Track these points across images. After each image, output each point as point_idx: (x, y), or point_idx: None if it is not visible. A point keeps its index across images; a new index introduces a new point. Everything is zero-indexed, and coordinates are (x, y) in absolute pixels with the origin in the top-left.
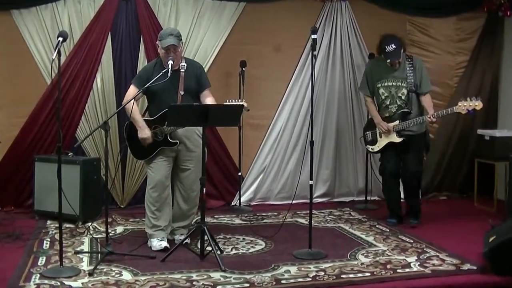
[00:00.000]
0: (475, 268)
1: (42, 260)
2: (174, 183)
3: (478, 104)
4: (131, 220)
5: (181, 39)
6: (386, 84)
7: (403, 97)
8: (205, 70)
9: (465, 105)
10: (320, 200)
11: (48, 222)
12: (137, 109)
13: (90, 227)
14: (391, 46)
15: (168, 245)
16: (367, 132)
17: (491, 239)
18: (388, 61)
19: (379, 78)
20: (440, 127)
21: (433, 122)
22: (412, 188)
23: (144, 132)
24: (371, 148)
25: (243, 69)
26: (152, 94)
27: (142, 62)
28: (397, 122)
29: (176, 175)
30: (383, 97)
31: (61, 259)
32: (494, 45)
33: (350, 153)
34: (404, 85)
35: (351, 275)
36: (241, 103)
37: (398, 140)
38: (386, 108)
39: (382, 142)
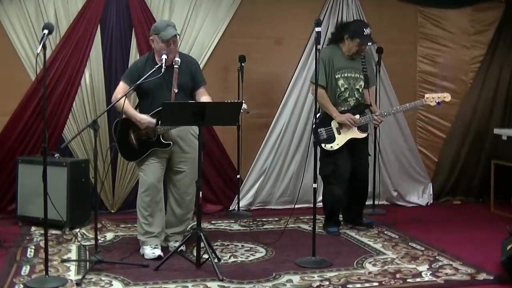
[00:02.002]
0: (491, 278)
1: (26, 269)
2: (168, 186)
3: (446, 96)
4: (122, 226)
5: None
6: (346, 75)
7: (360, 90)
8: (202, 65)
9: (433, 97)
10: None
11: (33, 228)
12: (129, 104)
13: (78, 233)
14: (369, 30)
15: (161, 253)
16: (321, 129)
17: (509, 247)
18: (362, 47)
19: (339, 68)
20: (453, 126)
21: (380, 122)
22: (366, 189)
23: (146, 121)
24: (330, 147)
25: (242, 64)
26: (144, 91)
27: (134, 57)
28: (358, 116)
29: (169, 178)
30: (342, 88)
31: (46, 268)
32: None
33: None
34: (362, 77)
35: (358, 285)
36: (241, 101)
37: (362, 135)
38: (344, 101)
39: (342, 139)
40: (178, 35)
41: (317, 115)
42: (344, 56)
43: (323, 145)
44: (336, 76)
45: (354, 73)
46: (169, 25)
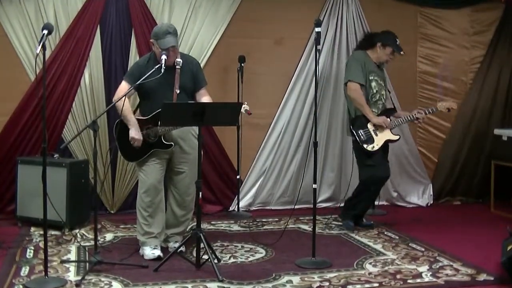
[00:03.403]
0: (492, 279)
1: (25, 270)
2: (168, 187)
3: (453, 104)
4: (121, 226)
5: (178, 35)
6: (376, 78)
7: (384, 97)
8: (201, 65)
9: (444, 104)
10: (324, 205)
11: (32, 229)
12: (129, 106)
13: (78, 234)
14: (398, 41)
15: (161, 254)
16: (360, 131)
17: (509, 248)
18: (392, 56)
19: (371, 71)
20: (453, 127)
21: (423, 119)
22: (379, 191)
23: (136, 133)
24: (372, 147)
25: (242, 64)
26: (145, 91)
27: (134, 57)
28: (388, 120)
29: (170, 178)
30: (374, 90)
31: (46, 269)
32: None
33: None
34: (386, 86)
35: (358, 286)
36: (241, 103)
37: (395, 138)
38: (375, 104)
39: (380, 140)
40: (176, 45)
41: (354, 119)
42: (371, 62)
43: (365, 145)
44: (370, 78)
45: (380, 80)
46: (168, 33)
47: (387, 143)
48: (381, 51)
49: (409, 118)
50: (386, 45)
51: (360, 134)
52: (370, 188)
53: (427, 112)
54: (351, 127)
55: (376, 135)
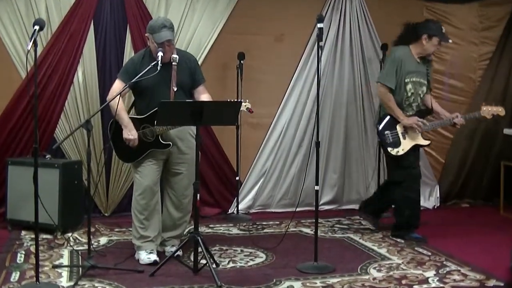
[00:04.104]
0: (501, 284)
1: (15, 276)
2: (164, 188)
3: (501, 110)
4: (116, 230)
5: (174, 30)
6: (414, 79)
7: (422, 95)
8: (199, 62)
9: (489, 110)
10: (327, 207)
11: (23, 232)
12: (123, 106)
13: (70, 238)
14: (444, 29)
15: (157, 258)
16: (387, 132)
17: None
18: (439, 45)
19: (409, 72)
20: (461, 126)
21: (463, 123)
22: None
23: (130, 133)
24: (396, 151)
25: (241, 61)
26: (141, 89)
27: (129, 54)
28: (420, 121)
29: (167, 180)
30: (409, 93)
31: (37, 274)
32: None
33: (360, 156)
34: (425, 82)
35: None
36: (241, 100)
37: (425, 143)
38: (409, 106)
39: (407, 144)
40: (172, 39)
41: (382, 118)
42: (413, 59)
43: (389, 149)
44: (406, 80)
45: (420, 78)
46: (164, 26)
47: (416, 147)
48: (427, 43)
49: (445, 122)
50: (433, 36)
51: (387, 136)
52: (408, 190)
53: (467, 118)
54: (378, 126)
55: (404, 138)
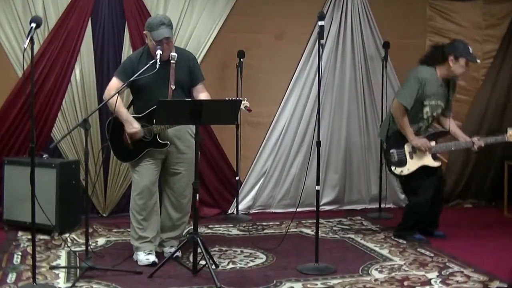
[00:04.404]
0: (505, 286)
1: (12, 277)
2: (163, 188)
3: None
4: (114, 230)
5: (172, 27)
6: (433, 102)
7: (435, 117)
8: (198, 61)
9: None
10: (328, 207)
11: (19, 233)
12: (121, 102)
13: (68, 238)
14: (471, 49)
15: (156, 259)
16: (393, 151)
17: None
18: (467, 67)
19: (429, 96)
20: (464, 125)
21: (480, 147)
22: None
23: (133, 126)
24: (400, 171)
25: (241, 60)
26: (139, 88)
27: (127, 52)
28: (433, 143)
29: (165, 179)
30: (425, 116)
31: (34, 275)
32: None
33: (362, 155)
34: (442, 105)
35: None
36: (240, 99)
37: (435, 164)
38: (421, 128)
39: (413, 165)
40: (171, 37)
41: (390, 137)
42: (437, 82)
43: (393, 168)
44: (424, 103)
45: (438, 100)
46: (163, 24)
47: (425, 168)
48: (454, 64)
49: (461, 145)
50: (460, 57)
51: (393, 155)
52: (421, 195)
53: (488, 142)
54: (386, 143)
55: (411, 158)
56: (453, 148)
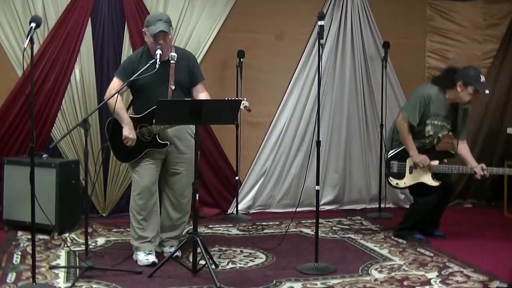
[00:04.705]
0: (505, 286)
1: (11, 277)
2: (163, 188)
3: None
4: (114, 230)
5: (172, 26)
6: (436, 122)
7: (440, 138)
8: (198, 61)
9: None
10: (327, 207)
11: (19, 233)
12: (121, 104)
13: (68, 238)
14: (483, 77)
15: (156, 259)
16: (393, 162)
17: None
18: (476, 95)
19: (433, 115)
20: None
21: (483, 176)
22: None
23: (129, 132)
24: (396, 183)
25: (241, 60)
26: (138, 88)
27: (127, 52)
28: (436, 162)
29: (165, 179)
30: (426, 134)
31: (33, 275)
32: None
33: (362, 155)
34: (449, 127)
35: None
36: (240, 99)
37: (433, 184)
38: (422, 146)
39: (411, 180)
40: (167, 31)
41: (394, 147)
42: (444, 103)
43: (389, 178)
44: (427, 122)
45: (444, 122)
46: (160, 20)
47: (423, 185)
48: (462, 91)
49: (464, 169)
50: (468, 84)
51: (392, 165)
52: (426, 196)
53: (495, 172)
54: (388, 153)
55: (411, 172)
56: (455, 171)
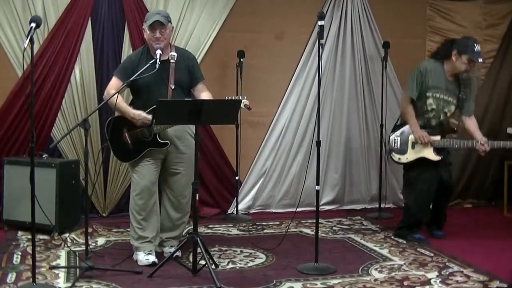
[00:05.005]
0: (505, 286)
1: (11, 277)
2: (162, 188)
3: None
4: (114, 230)
5: (170, 21)
6: (437, 95)
7: (447, 114)
8: (198, 61)
9: None
10: (327, 207)
11: (19, 233)
12: (122, 99)
13: (68, 238)
14: (478, 47)
15: (156, 259)
16: (397, 138)
17: None
18: (470, 64)
19: (433, 87)
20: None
21: (485, 150)
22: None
23: (141, 116)
24: (398, 158)
25: (241, 60)
26: (138, 87)
27: (127, 52)
28: (438, 137)
29: (165, 179)
30: (429, 108)
31: (34, 275)
32: None
33: (362, 155)
34: (455, 101)
35: None
36: (240, 99)
37: (435, 158)
38: (428, 121)
39: (413, 155)
40: (164, 23)
41: (398, 126)
42: (443, 76)
43: (392, 154)
44: (427, 94)
45: (447, 96)
46: (158, 13)
47: (425, 160)
48: (457, 60)
49: (465, 144)
50: (462, 53)
51: (395, 139)
52: (419, 192)
53: (495, 146)
54: (392, 131)
55: (413, 147)
56: (456, 146)
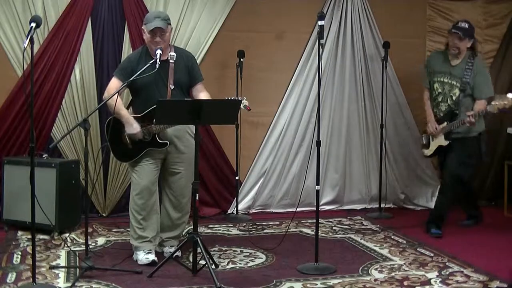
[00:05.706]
0: (505, 286)
1: (11, 277)
2: (162, 188)
3: (508, 102)
4: (114, 230)
5: (170, 23)
6: (441, 79)
7: (453, 98)
8: (198, 61)
9: (496, 104)
10: (327, 207)
11: (19, 233)
12: (121, 103)
13: (68, 238)
14: (464, 24)
15: (156, 259)
16: (423, 135)
17: None
18: (450, 37)
19: (436, 72)
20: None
21: (472, 122)
22: (448, 192)
23: (133, 127)
24: (426, 152)
25: (241, 59)
26: (137, 88)
27: (127, 51)
28: (445, 123)
29: (165, 179)
30: (436, 92)
31: (34, 275)
32: None
33: (362, 155)
34: (458, 85)
35: None
36: (240, 99)
37: (445, 143)
38: (437, 105)
39: (433, 146)
40: (164, 28)
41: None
42: (447, 62)
43: (422, 150)
44: (434, 79)
45: (450, 80)
46: (157, 17)
47: (441, 149)
48: (448, 38)
49: (457, 124)
50: (449, 31)
51: (423, 138)
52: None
53: (479, 114)
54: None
55: (432, 140)
56: (452, 128)
